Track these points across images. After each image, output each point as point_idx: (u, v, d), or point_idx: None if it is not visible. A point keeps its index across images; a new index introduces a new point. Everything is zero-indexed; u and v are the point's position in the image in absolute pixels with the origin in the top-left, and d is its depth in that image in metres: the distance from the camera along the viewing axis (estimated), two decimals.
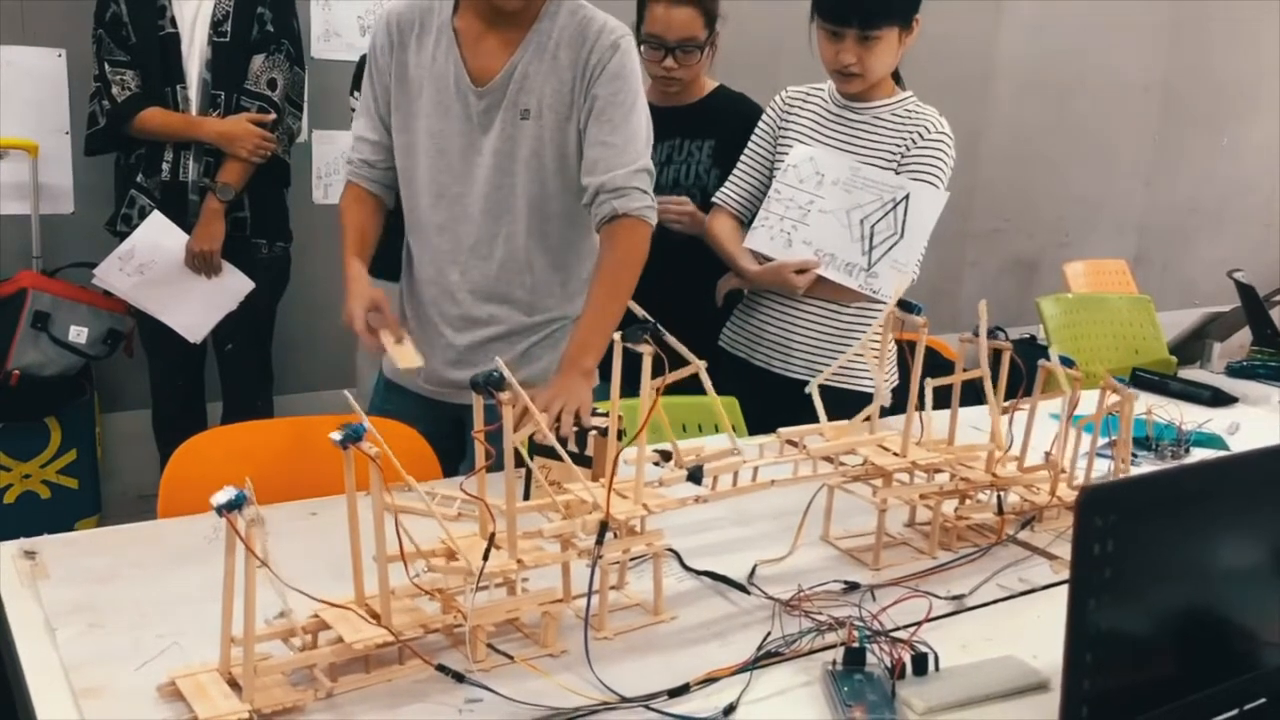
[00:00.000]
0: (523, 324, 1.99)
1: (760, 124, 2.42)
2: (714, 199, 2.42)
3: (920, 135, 2.27)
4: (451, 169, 1.93)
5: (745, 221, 2.38)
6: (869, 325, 2.31)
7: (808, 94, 2.39)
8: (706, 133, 2.51)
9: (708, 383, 1.40)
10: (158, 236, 2.95)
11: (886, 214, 2.22)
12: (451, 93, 1.90)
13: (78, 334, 3.07)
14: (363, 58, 3.07)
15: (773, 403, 2.23)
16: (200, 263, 2.97)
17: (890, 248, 2.22)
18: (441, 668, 1.17)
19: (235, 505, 1.06)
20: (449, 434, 1.99)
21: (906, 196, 2.22)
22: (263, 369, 3.27)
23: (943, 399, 1.71)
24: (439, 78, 1.90)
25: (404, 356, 1.80)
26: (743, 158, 2.42)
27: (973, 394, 1.71)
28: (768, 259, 2.29)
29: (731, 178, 2.42)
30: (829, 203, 2.26)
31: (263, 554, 1.07)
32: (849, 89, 2.28)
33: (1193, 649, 1.16)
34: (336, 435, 1.11)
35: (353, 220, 1.99)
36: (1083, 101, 5.44)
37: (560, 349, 1.89)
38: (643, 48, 2.46)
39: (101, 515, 3.30)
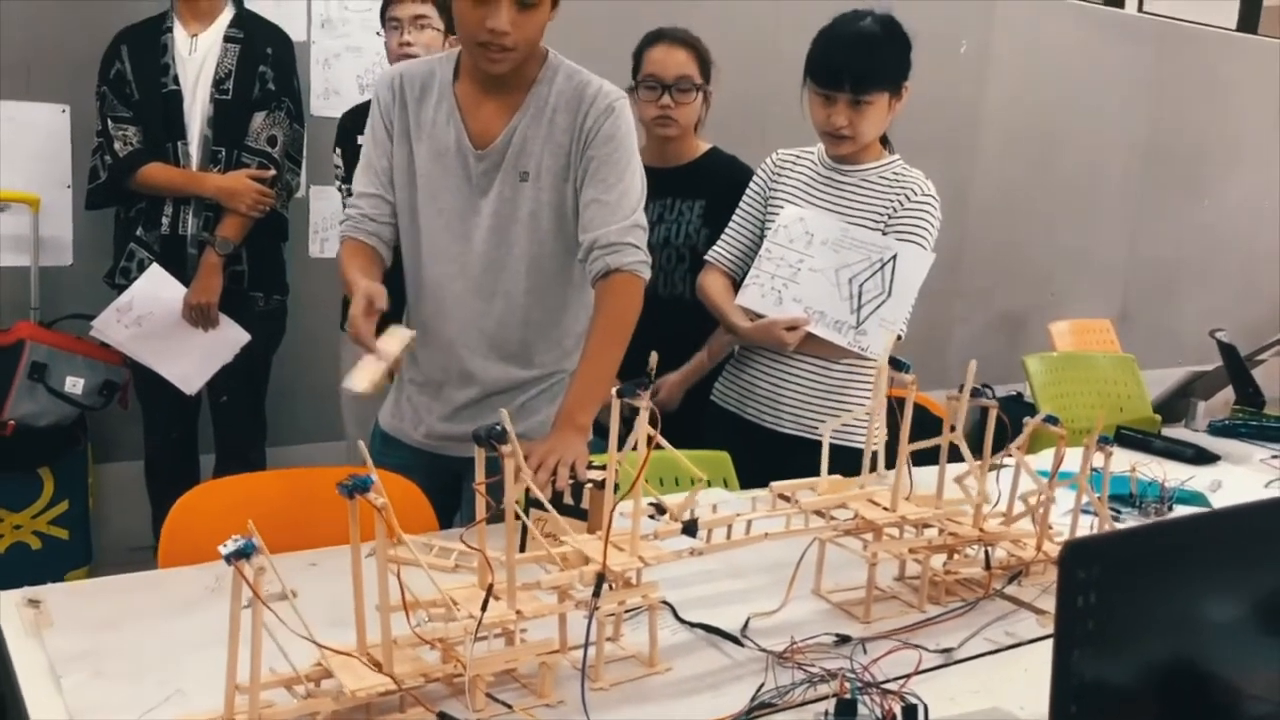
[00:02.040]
0: (520, 379, 2.02)
1: (751, 184, 2.48)
2: (706, 257, 2.47)
3: (907, 197, 2.33)
4: (450, 229, 1.97)
5: (736, 279, 2.43)
6: (858, 381, 2.36)
7: (798, 156, 2.45)
8: (698, 193, 2.58)
9: (669, 446, 1.42)
10: (156, 289, 2.99)
11: (875, 274, 2.27)
12: (452, 155, 1.95)
13: (74, 385, 3.09)
14: (345, 114, 3.15)
15: (763, 457, 2.27)
16: (198, 315, 3.01)
17: (878, 306, 2.27)
18: (443, 715, 1.19)
19: (244, 554, 1.09)
20: (446, 487, 2.02)
21: (894, 257, 2.27)
22: (256, 421, 3.29)
23: (931, 455, 1.75)
24: (440, 140, 1.95)
25: (358, 375, 1.71)
26: (734, 217, 2.48)
27: (959, 451, 1.74)
28: (759, 316, 2.34)
29: (724, 237, 2.47)
30: (818, 262, 2.31)
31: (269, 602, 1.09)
32: (839, 151, 2.34)
33: (1175, 701, 1.18)
34: (344, 485, 1.14)
35: (351, 262, 1.94)
36: (1068, 161, 5.56)
37: (558, 402, 1.92)
38: (640, 91, 2.54)
39: (92, 566, 3.30)
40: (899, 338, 2.25)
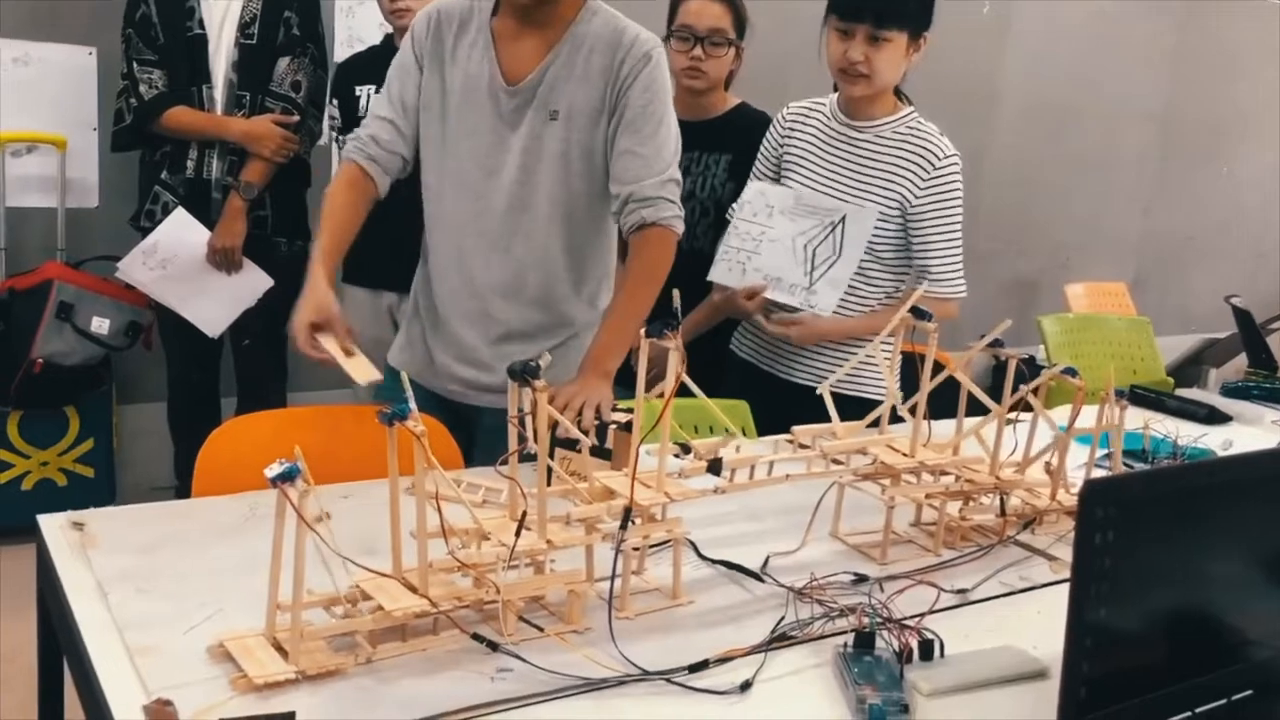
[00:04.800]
0: (537, 325, 2.01)
1: (764, 142, 2.49)
2: (728, 215, 2.47)
3: (931, 164, 2.30)
4: (479, 164, 1.98)
5: None
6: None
7: (809, 110, 2.43)
8: (724, 147, 2.59)
9: (694, 385, 1.46)
10: (181, 232, 3.02)
11: (827, 237, 2.31)
12: (484, 90, 1.96)
13: (100, 325, 3.13)
14: (341, 65, 3.15)
15: (781, 407, 2.29)
16: (221, 259, 3.04)
17: (829, 268, 2.31)
18: (477, 636, 1.23)
19: (288, 477, 1.13)
20: (456, 430, 2.04)
21: (843, 218, 2.30)
22: (278, 365, 3.33)
23: (948, 409, 1.78)
24: (473, 76, 1.96)
25: (358, 371, 1.72)
26: (751, 177, 2.49)
27: (976, 404, 1.77)
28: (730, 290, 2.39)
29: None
30: (777, 232, 2.35)
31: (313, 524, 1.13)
32: (854, 91, 2.29)
33: (1186, 639, 1.22)
34: (384, 413, 1.18)
35: (335, 210, 1.96)
36: (1085, 128, 5.54)
37: (571, 357, 1.94)
38: (673, 41, 2.55)
39: (115, 505, 3.36)
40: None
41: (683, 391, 1.42)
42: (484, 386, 2.03)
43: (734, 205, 2.44)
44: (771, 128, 2.47)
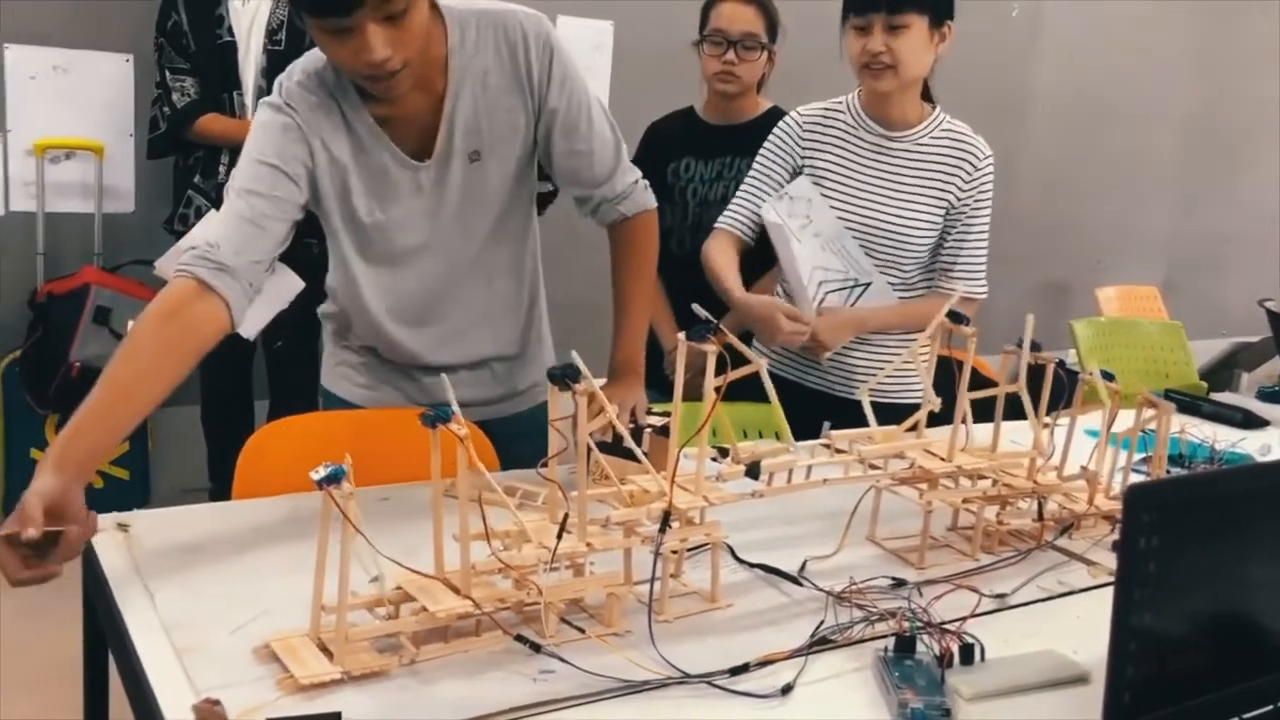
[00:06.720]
0: (515, 339, 1.97)
1: (773, 146, 2.33)
2: (717, 223, 2.34)
3: (974, 165, 2.26)
4: (407, 232, 1.82)
5: (751, 247, 2.33)
6: (896, 340, 2.33)
7: (826, 116, 2.31)
8: (756, 151, 2.58)
9: (769, 382, 1.47)
10: None
11: (843, 290, 2.23)
12: (392, 169, 1.76)
13: None
14: None
15: (804, 414, 2.22)
16: None
17: None
18: (520, 638, 1.24)
19: (334, 479, 1.14)
20: None
21: (867, 285, 2.24)
22: (311, 366, 3.34)
23: (984, 413, 1.77)
24: (377, 166, 1.76)
25: None
26: (750, 179, 2.33)
27: (1012, 408, 1.77)
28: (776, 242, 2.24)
29: (738, 201, 2.33)
30: (800, 249, 2.22)
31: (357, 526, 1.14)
32: (881, 84, 2.18)
33: (1230, 644, 1.21)
34: (427, 416, 1.18)
35: (123, 370, 1.44)
36: (1116, 130, 5.51)
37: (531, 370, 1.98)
38: (705, 46, 2.56)
39: (150, 507, 3.39)
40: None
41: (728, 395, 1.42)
42: (483, 401, 1.99)
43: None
44: (784, 133, 2.33)
